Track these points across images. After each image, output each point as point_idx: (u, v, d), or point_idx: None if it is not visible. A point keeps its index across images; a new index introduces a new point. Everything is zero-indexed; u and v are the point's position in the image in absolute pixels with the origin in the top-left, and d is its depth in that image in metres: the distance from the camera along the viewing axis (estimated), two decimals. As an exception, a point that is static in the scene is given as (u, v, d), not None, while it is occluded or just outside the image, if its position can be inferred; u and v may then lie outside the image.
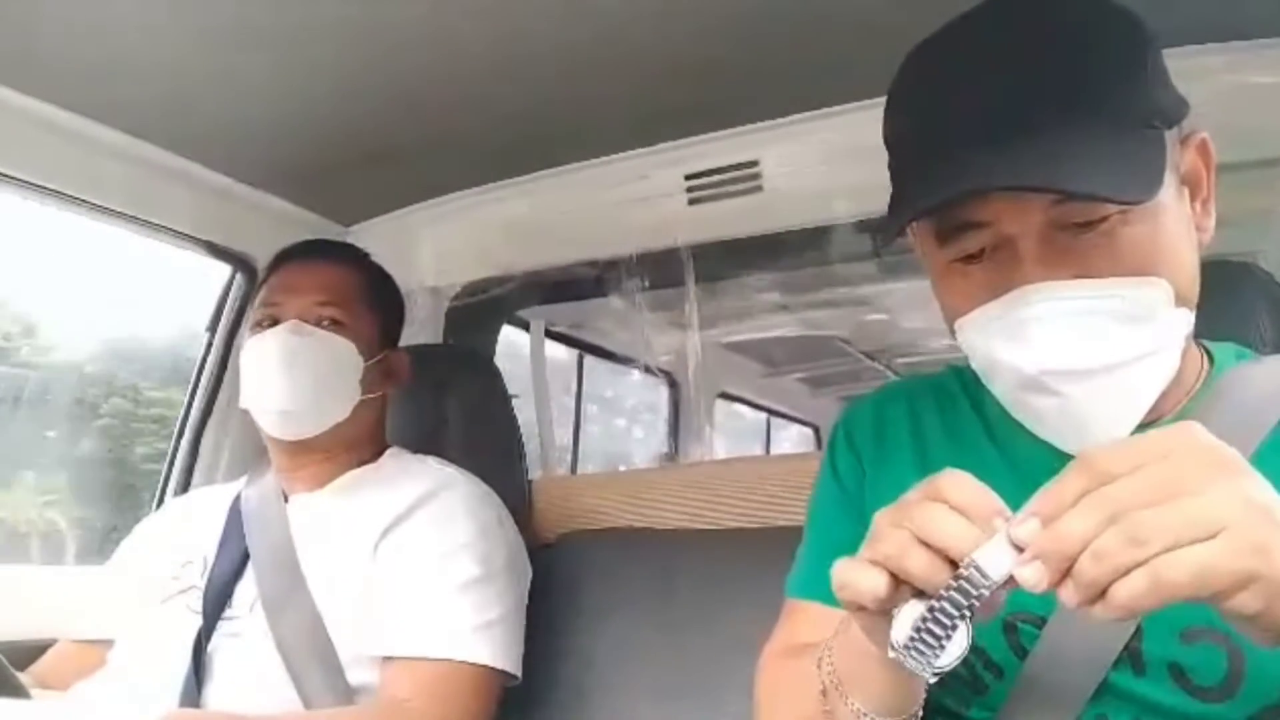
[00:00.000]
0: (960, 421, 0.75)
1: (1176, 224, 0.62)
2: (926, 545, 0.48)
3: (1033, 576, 0.45)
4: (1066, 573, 0.44)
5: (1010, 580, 0.47)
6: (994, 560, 0.47)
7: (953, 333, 0.67)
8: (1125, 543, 0.43)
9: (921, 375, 0.83)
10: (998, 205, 0.60)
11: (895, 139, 0.69)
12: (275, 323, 1.15)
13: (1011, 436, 0.69)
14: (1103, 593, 0.43)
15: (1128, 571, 0.43)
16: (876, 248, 1.46)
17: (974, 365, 0.67)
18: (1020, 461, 0.69)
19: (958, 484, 0.49)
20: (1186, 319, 0.62)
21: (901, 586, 0.49)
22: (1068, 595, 0.45)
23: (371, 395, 1.19)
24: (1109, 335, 0.59)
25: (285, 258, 1.22)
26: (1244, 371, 0.68)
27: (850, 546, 0.52)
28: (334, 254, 1.23)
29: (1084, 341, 0.59)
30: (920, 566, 0.48)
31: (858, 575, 0.50)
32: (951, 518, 0.48)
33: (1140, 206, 0.59)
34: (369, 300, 1.20)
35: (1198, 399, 0.67)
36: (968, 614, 0.47)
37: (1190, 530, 0.42)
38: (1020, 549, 0.46)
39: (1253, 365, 0.69)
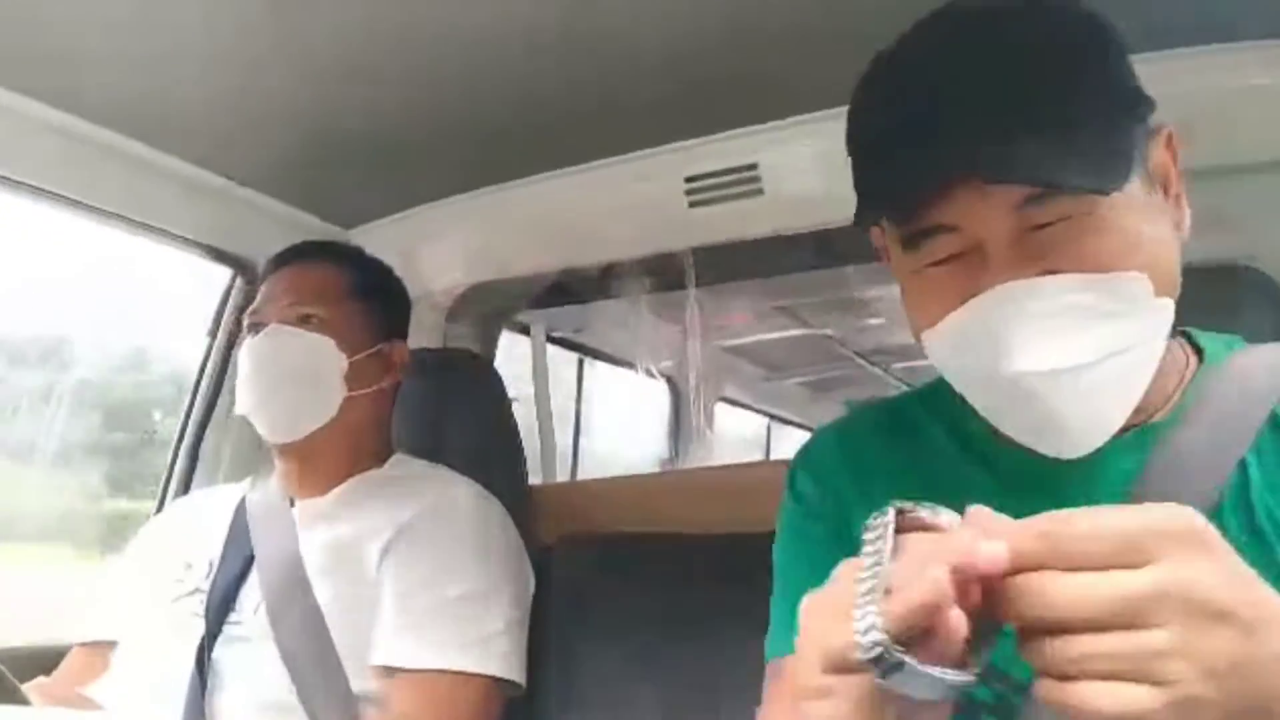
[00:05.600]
0: (933, 446, 0.72)
1: (1147, 218, 0.61)
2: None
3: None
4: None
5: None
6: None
7: (920, 343, 0.65)
8: (1044, 662, 0.40)
9: (875, 403, 0.82)
10: (963, 207, 0.59)
11: (854, 144, 0.68)
12: (259, 329, 1.15)
13: (992, 449, 0.68)
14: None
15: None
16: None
17: (946, 377, 0.66)
18: (1005, 474, 0.67)
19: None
20: (1167, 312, 0.61)
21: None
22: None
23: (363, 391, 1.17)
24: (1085, 331, 0.57)
25: (272, 265, 1.23)
26: (1236, 363, 0.67)
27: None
28: (315, 255, 1.23)
29: (1059, 339, 0.57)
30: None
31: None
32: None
33: (1108, 202, 0.58)
34: (354, 294, 1.19)
35: (1189, 394, 0.66)
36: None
37: (1130, 670, 0.38)
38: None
39: (1244, 356, 0.68)
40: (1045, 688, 0.40)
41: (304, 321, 1.14)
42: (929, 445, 0.73)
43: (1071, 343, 0.57)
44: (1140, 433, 0.64)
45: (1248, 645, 0.39)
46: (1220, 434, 0.62)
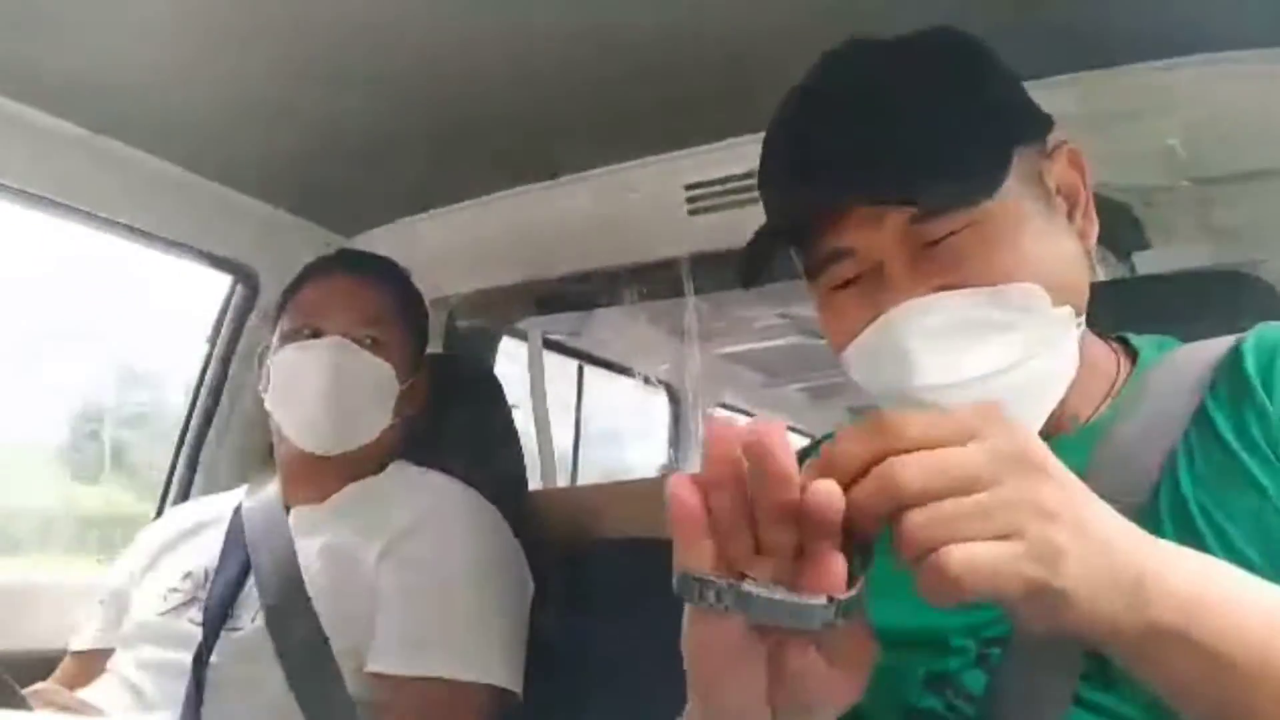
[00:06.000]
0: None
1: (1043, 231, 0.63)
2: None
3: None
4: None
5: None
6: None
7: (842, 365, 0.67)
8: (912, 543, 0.41)
9: (828, 435, 0.83)
10: (855, 230, 0.62)
11: (759, 180, 0.72)
12: (315, 334, 1.13)
13: None
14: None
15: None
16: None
17: (870, 395, 0.67)
18: None
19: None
20: (1071, 320, 0.62)
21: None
22: None
23: (401, 418, 1.18)
24: (985, 342, 0.59)
25: (324, 268, 1.20)
26: (1169, 360, 0.68)
27: None
28: (376, 270, 1.22)
29: (960, 352, 0.59)
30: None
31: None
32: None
33: (996, 216, 0.60)
34: (406, 322, 1.20)
35: (1125, 393, 0.67)
36: None
37: (979, 527, 0.41)
38: None
39: (1177, 353, 0.69)
40: (922, 573, 0.41)
41: (364, 341, 1.13)
42: None
43: (973, 355, 0.59)
44: (1083, 432, 0.66)
45: (1069, 496, 0.43)
46: (1152, 428, 0.63)
